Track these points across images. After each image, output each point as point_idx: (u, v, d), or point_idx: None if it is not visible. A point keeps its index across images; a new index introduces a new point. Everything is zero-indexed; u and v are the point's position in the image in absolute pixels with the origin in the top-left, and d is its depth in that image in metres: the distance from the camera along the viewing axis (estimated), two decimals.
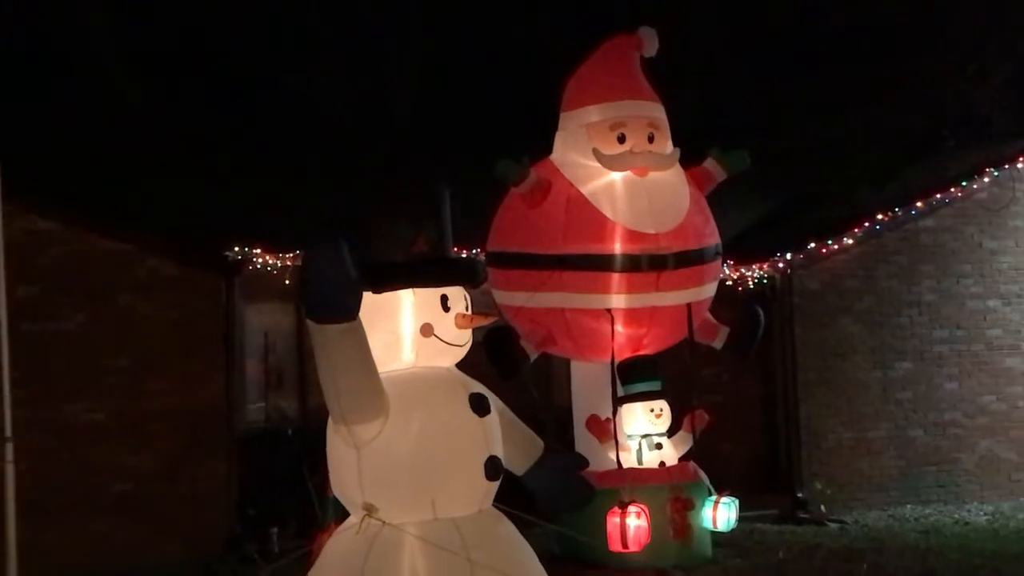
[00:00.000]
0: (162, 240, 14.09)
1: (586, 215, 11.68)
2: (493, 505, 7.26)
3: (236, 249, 14.56)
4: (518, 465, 7.48)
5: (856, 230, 16.09)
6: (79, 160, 15.73)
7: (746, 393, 16.05)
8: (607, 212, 11.63)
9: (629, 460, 12.12)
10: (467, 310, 7.15)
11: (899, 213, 16.25)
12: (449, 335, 7.08)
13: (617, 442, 12.11)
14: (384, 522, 6.89)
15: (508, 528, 7.23)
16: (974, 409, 16.39)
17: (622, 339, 11.98)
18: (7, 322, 10.16)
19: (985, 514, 15.21)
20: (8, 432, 10.07)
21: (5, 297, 10.18)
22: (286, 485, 12.62)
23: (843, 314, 16.03)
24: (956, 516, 15.14)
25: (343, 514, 7.24)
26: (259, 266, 14.77)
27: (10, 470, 10.04)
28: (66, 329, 13.31)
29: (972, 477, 16.29)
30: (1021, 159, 16.65)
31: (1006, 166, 16.66)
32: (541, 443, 7.66)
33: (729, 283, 14.81)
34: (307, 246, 6.92)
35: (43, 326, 12.81)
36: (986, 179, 16.53)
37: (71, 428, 13.16)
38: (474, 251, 12.36)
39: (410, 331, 7.04)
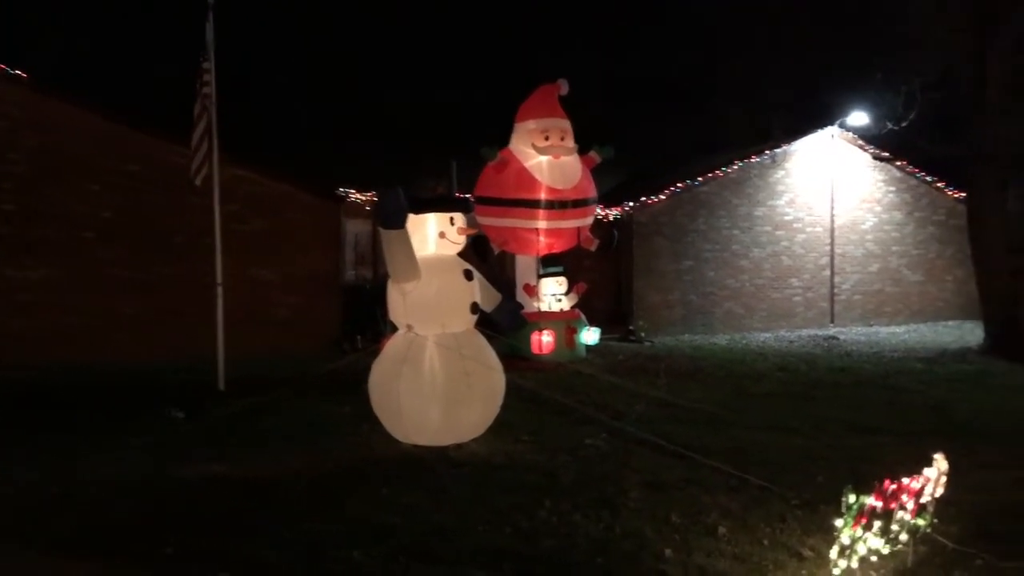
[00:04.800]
0: (307, 184, 14.00)
1: (527, 178, 11.82)
2: (476, 327, 7.53)
3: (342, 190, 14.58)
4: (487, 306, 7.73)
5: (666, 192, 16.21)
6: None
7: (607, 275, 16.17)
8: (539, 177, 11.78)
9: (544, 307, 12.35)
10: (465, 224, 7.38)
11: (688, 183, 16.36)
12: (454, 238, 7.33)
13: (539, 298, 12.35)
14: (417, 333, 7.15)
15: (481, 339, 7.54)
16: (723, 286, 16.60)
17: (544, 245, 12.16)
18: (220, 224, 10.25)
19: (726, 340, 15.43)
20: (219, 279, 10.19)
21: (219, 212, 10.25)
22: (365, 314, 12.86)
23: (657, 235, 16.18)
24: (711, 341, 15.32)
25: (395, 330, 7.50)
26: (353, 199, 14.81)
27: (219, 303, 10.17)
28: (255, 229, 13.27)
29: (720, 321, 16.54)
30: (754, 157, 16.76)
31: (744, 161, 16.78)
32: (500, 295, 7.89)
33: (600, 217, 14.94)
34: (382, 191, 7.28)
35: (241, 227, 12.88)
36: (735, 166, 16.66)
37: (257, 281, 13.18)
38: (468, 195, 12.41)
39: (433, 235, 7.35)
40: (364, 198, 15.08)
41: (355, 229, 15.62)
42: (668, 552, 5.09)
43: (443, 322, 7.19)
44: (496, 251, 12.32)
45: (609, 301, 16.16)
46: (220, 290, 10.14)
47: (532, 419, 8.41)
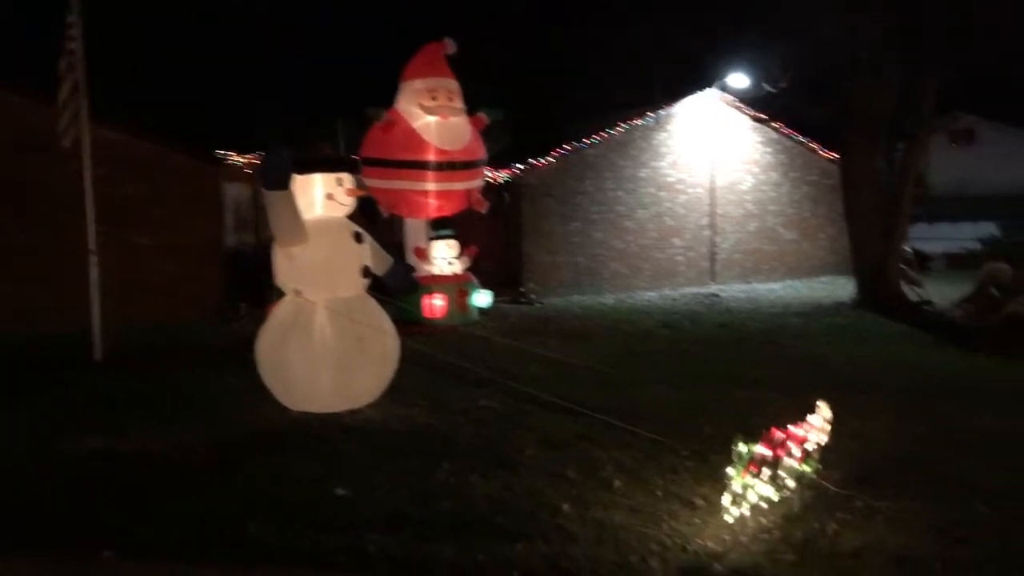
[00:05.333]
0: (183, 146, 13.41)
1: (416, 139, 11.63)
2: (367, 291, 7.39)
3: (220, 152, 14.04)
4: (378, 270, 7.58)
5: (554, 154, 16.27)
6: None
7: (497, 238, 16.04)
8: (427, 138, 11.60)
9: (436, 271, 12.27)
10: (353, 185, 7.20)
11: (575, 145, 16.45)
12: (342, 199, 7.14)
13: (429, 261, 12.25)
14: (306, 299, 6.96)
15: (373, 303, 7.42)
16: (609, 247, 16.81)
17: (434, 207, 12.03)
18: (92, 188, 9.74)
19: (613, 300, 15.66)
20: (92, 246, 9.70)
21: (91, 175, 9.73)
22: (248, 281, 12.48)
23: (545, 196, 16.23)
24: (599, 301, 15.52)
25: (281, 295, 7.28)
26: (232, 162, 14.30)
27: (93, 271, 9.70)
28: (129, 193, 12.60)
29: (607, 282, 16.76)
30: (638, 119, 16.94)
31: (628, 123, 16.96)
32: (391, 258, 7.76)
33: (490, 179, 14.89)
34: (265, 151, 7.05)
35: (115, 191, 12.20)
36: (620, 128, 16.81)
37: (133, 248, 12.47)
38: (355, 156, 12.15)
39: (320, 197, 7.13)
40: (244, 160, 14.57)
41: (236, 193, 15.09)
42: (566, 507, 5.15)
43: (333, 286, 7.02)
44: (385, 214, 12.11)
45: (500, 264, 16.16)
46: (93, 258, 9.65)
47: (426, 383, 8.36)
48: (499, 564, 4.51)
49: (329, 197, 7.11)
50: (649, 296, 16.10)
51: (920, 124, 14.06)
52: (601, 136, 16.65)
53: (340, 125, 14.64)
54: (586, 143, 16.51)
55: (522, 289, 15.41)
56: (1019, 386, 8.42)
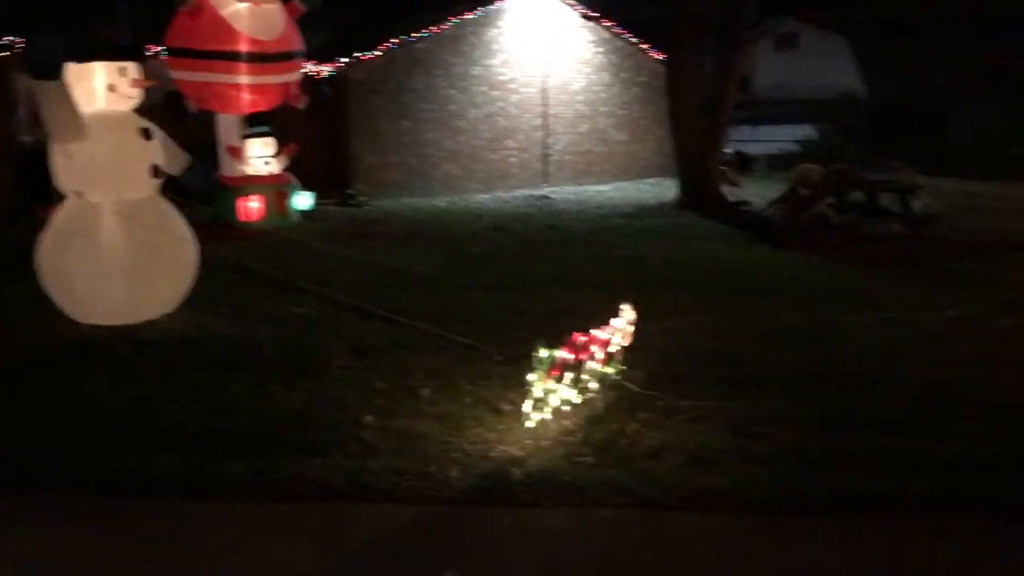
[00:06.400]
0: None
1: (225, 28, 10.78)
2: (161, 193, 6.86)
3: (8, 38, 12.59)
4: (172, 169, 7.05)
5: (381, 48, 15.60)
6: None
7: (322, 136, 15.40)
8: (237, 26, 10.77)
9: (251, 171, 11.62)
10: (140, 76, 6.55)
11: (403, 39, 15.82)
12: (127, 91, 6.50)
13: (244, 160, 11.57)
14: (89, 201, 6.39)
15: (166, 205, 6.90)
16: (441, 148, 16.34)
17: (247, 103, 11.29)
18: None
19: (445, 202, 15.33)
20: None
21: None
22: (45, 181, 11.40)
23: (373, 93, 15.57)
24: (431, 203, 15.15)
25: (62, 198, 6.67)
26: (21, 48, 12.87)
27: None
28: None
29: (439, 183, 16.36)
30: (468, 14, 16.39)
31: (458, 18, 16.41)
32: (189, 156, 7.21)
33: (312, 73, 14.14)
34: (33, 36, 6.25)
35: None
36: (449, 22, 16.27)
37: None
38: (160, 47, 11.17)
39: (101, 88, 6.42)
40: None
41: (28, 85, 13.67)
42: (369, 418, 4.98)
43: (118, 187, 6.46)
44: (194, 109, 11.25)
45: (326, 163, 15.50)
46: None
47: (235, 291, 7.93)
48: (295, 481, 4.31)
49: (111, 88, 6.46)
50: (482, 198, 15.92)
51: (743, 27, 14.26)
52: (430, 30, 16.03)
53: (124, 7, 13.32)
54: (414, 37, 15.87)
55: (350, 191, 14.87)
56: (822, 283, 8.82)
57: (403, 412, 5.10)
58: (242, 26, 10.76)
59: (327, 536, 3.91)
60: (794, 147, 20.73)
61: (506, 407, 5.10)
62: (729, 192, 14.45)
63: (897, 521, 3.99)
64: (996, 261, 9.77)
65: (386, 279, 8.60)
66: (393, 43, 15.65)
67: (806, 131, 21.80)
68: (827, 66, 32.37)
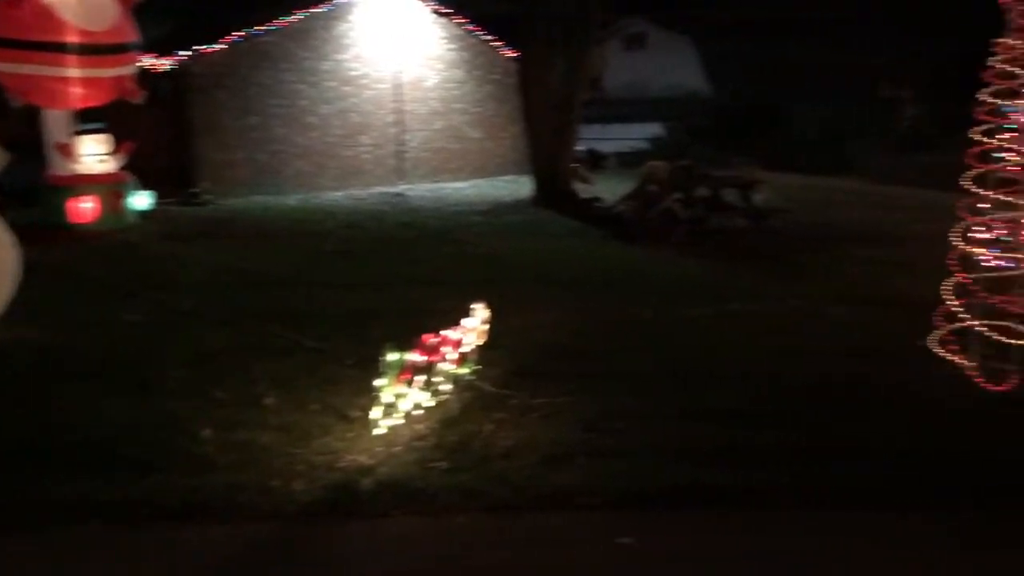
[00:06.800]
0: None
1: (50, 17, 10.14)
2: None
3: None
4: None
5: (224, 41, 14.95)
6: None
7: (163, 130, 14.52)
8: (63, 16, 10.14)
9: (84, 170, 10.92)
10: None
11: (248, 32, 15.19)
12: None
13: (75, 158, 10.86)
14: None
15: None
16: (292, 144, 15.71)
17: (77, 97, 10.61)
18: None
19: (296, 200, 14.82)
20: None
21: None
22: None
23: (216, 88, 14.90)
24: (282, 201, 14.61)
25: None
26: None
27: None
28: None
29: (290, 181, 15.81)
30: (317, 7, 15.92)
31: (307, 11, 15.92)
32: (9, 155, 6.64)
33: (150, 67, 13.39)
34: None
35: None
36: (297, 16, 15.78)
37: None
38: None
39: None
40: None
41: None
42: (207, 432, 4.68)
43: None
44: (18, 103, 10.47)
45: (169, 161, 14.74)
46: None
47: (61, 297, 7.44)
48: (126, 502, 4.00)
49: None
50: (335, 196, 15.52)
51: (592, 27, 14.46)
52: (277, 23, 15.50)
53: None
54: (260, 30, 15.31)
55: (193, 190, 14.20)
56: (671, 277, 9.01)
57: (245, 423, 4.83)
58: (69, 15, 10.11)
59: (159, 561, 3.64)
60: (644, 145, 21.26)
61: (356, 414, 4.90)
62: (581, 189, 14.63)
63: (748, 512, 4.05)
64: (831, 252, 10.25)
65: (230, 281, 8.25)
66: (237, 36, 15.04)
67: (655, 129, 22.41)
68: (674, 66, 33.39)
